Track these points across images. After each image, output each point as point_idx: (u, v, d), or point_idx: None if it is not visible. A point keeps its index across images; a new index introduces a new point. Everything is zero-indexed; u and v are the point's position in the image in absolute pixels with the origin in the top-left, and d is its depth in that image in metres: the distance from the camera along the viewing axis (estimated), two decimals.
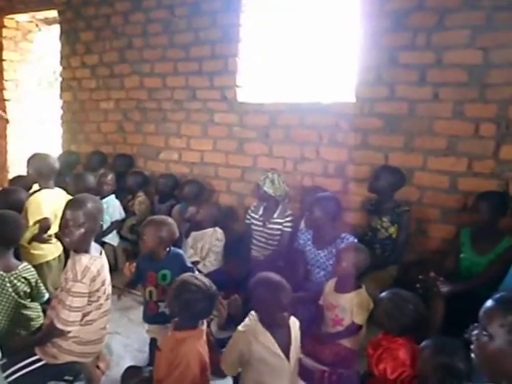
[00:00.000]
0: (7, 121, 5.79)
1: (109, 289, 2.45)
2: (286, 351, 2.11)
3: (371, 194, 3.57)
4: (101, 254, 2.45)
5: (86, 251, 2.34)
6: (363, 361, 2.51)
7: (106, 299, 2.42)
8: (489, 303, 1.25)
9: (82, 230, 2.27)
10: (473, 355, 1.30)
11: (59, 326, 2.26)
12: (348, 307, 2.64)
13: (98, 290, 2.31)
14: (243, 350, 2.05)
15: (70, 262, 2.32)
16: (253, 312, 2.17)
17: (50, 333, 2.34)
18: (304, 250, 3.29)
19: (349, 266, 2.66)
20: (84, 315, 2.31)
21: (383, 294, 2.35)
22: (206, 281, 2.18)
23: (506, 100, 3.19)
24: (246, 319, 2.19)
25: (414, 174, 3.55)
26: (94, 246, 2.43)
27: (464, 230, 3.10)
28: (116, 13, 5.09)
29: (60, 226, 2.37)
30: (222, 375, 2.52)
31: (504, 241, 2.89)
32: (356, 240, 3.10)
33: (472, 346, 1.30)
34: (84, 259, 2.28)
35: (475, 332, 1.28)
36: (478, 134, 3.31)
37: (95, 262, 2.31)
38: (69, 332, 2.28)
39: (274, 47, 4.40)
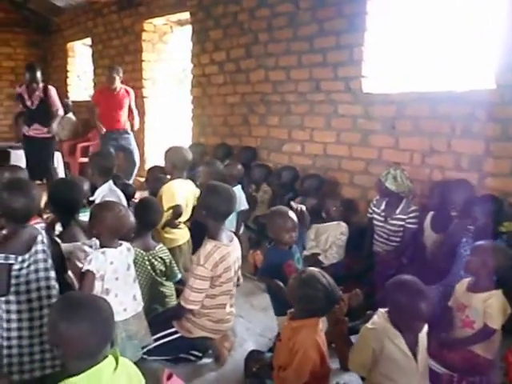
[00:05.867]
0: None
1: (235, 276, 2.59)
2: (414, 352, 2.04)
3: (511, 190, 3.25)
4: (231, 241, 2.58)
5: (214, 238, 2.48)
6: (499, 372, 2.31)
7: (233, 285, 2.58)
8: None
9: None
10: None
11: (181, 302, 2.46)
12: (480, 308, 2.42)
13: (220, 276, 2.44)
14: (375, 348, 2.01)
15: (202, 245, 2.50)
16: (382, 310, 2.11)
17: (177, 309, 2.54)
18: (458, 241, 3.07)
19: (482, 262, 2.44)
20: (209, 297, 2.46)
21: None
22: (332, 283, 2.15)
23: None
24: (375, 316, 2.13)
25: None
26: (226, 233, 2.56)
27: None
28: (243, 10, 5.27)
29: None
30: None
31: None
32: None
33: None
34: (209, 245, 2.43)
35: None
36: None
37: (219, 249, 2.43)
38: (190, 310, 2.45)
39: (402, 32, 4.19)
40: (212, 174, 4.08)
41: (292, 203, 3.00)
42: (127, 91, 6.08)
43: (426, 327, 2.11)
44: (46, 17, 9.38)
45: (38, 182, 5.13)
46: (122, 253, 2.34)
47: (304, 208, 2.96)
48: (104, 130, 5.88)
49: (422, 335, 2.10)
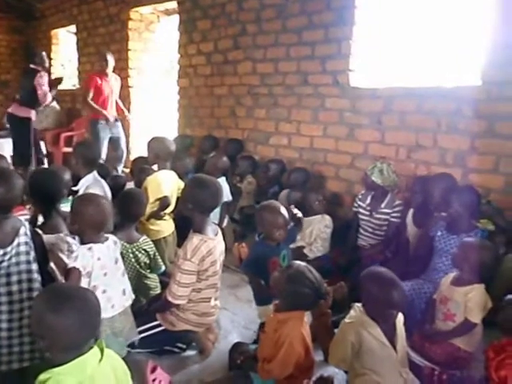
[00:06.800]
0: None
1: (220, 269, 2.58)
2: (392, 342, 2.09)
3: (494, 187, 3.28)
4: (216, 234, 2.56)
5: (200, 231, 2.45)
6: (480, 366, 2.34)
7: (219, 278, 2.56)
8: None
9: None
10: None
11: (169, 298, 2.42)
12: (461, 301, 2.45)
13: (206, 270, 2.42)
14: (354, 341, 2.04)
15: (187, 239, 2.47)
16: (358, 304, 2.14)
17: (164, 304, 2.51)
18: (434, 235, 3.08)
19: (465, 257, 2.47)
20: (195, 291, 2.44)
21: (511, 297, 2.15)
22: (319, 278, 2.14)
23: None
24: (351, 311, 2.17)
25: None
26: (211, 227, 2.54)
27: None
28: (231, 0, 5.20)
29: None
30: None
31: None
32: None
33: None
34: (195, 239, 2.40)
35: None
36: None
37: (206, 242, 2.41)
38: (177, 305, 2.43)
39: (390, 28, 4.19)
40: (179, 168, 4.07)
41: (293, 208, 2.96)
42: (116, 79, 6.00)
43: (401, 317, 2.16)
44: (29, 3, 9.17)
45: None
46: (109, 247, 2.28)
47: (300, 215, 2.94)
48: (113, 116, 5.79)
49: (400, 325, 2.15)
